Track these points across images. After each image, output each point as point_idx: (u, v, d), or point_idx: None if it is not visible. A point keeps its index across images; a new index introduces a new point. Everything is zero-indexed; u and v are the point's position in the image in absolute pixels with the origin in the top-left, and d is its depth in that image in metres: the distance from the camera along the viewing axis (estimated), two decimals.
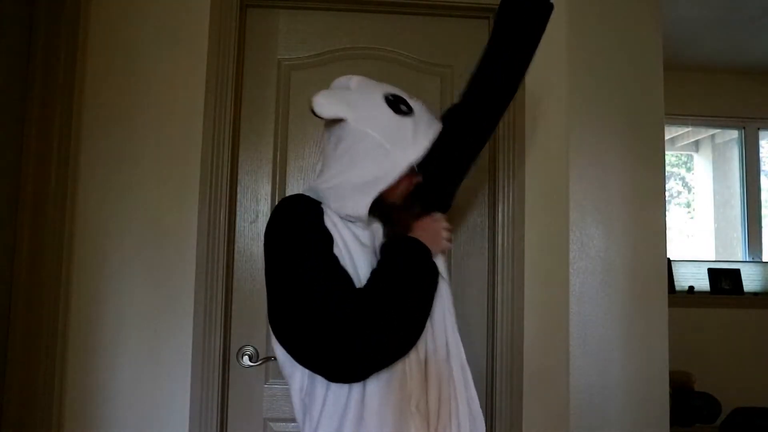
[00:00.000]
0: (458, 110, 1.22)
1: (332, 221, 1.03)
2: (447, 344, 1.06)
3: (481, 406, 1.23)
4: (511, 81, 1.21)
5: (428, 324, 1.03)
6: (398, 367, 0.98)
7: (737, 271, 3.45)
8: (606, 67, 1.83)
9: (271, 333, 1.01)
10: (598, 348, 1.74)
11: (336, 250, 1.00)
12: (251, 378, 1.73)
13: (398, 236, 1.05)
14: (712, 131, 3.81)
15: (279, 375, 1.74)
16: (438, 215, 1.15)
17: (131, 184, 1.69)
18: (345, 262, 1.01)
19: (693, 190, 3.97)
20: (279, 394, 1.73)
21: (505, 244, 1.74)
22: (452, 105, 1.26)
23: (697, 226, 3.86)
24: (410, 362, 1.00)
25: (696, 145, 3.94)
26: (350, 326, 0.90)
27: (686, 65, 3.49)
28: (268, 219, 1.07)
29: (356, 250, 1.02)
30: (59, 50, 1.60)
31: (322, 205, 1.06)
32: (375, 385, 0.97)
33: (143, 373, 1.65)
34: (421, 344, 1.02)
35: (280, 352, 1.03)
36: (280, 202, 1.07)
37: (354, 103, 1.02)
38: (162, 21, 1.73)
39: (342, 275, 0.97)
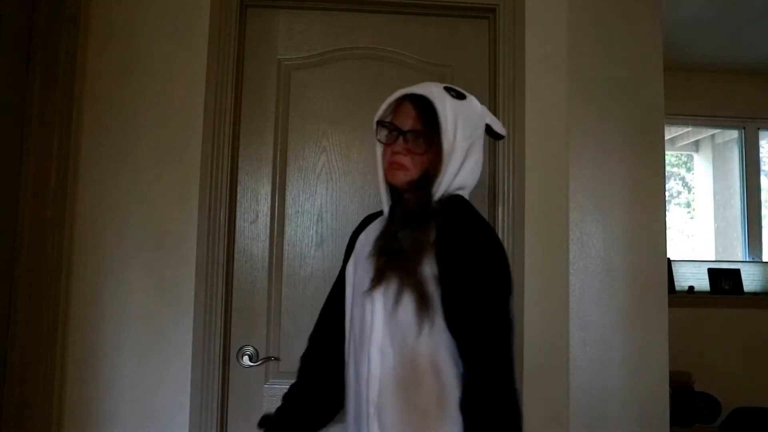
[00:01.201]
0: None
1: (365, 232, 1.18)
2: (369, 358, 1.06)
3: None
4: None
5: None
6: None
7: (737, 271, 3.45)
8: (606, 67, 1.82)
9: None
10: (598, 348, 1.74)
11: (348, 264, 1.18)
12: (251, 378, 1.73)
13: None
14: (712, 131, 3.81)
15: (279, 375, 1.74)
16: None
17: (131, 184, 1.69)
18: (348, 274, 1.17)
19: (693, 190, 3.97)
20: (279, 394, 1.71)
21: (505, 244, 1.74)
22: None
23: (697, 226, 3.86)
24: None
25: (696, 145, 3.94)
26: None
27: (686, 65, 3.48)
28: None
29: (359, 259, 1.14)
30: (59, 50, 1.60)
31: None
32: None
33: (143, 373, 1.65)
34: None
35: None
36: None
37: None
38: (162, 21, 1.73)
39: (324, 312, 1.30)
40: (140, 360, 1.65)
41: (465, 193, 1.13)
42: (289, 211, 1.80)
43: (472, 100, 1.13)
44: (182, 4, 1.74)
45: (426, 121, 1.06)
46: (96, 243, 1.67)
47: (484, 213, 1.82)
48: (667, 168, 3.77)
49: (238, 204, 1.78)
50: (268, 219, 1.79)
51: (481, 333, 0.98)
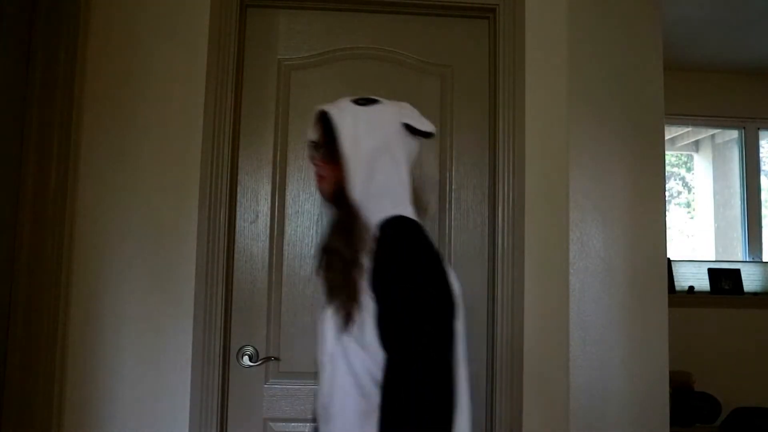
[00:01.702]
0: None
1: None
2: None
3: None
4: None
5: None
6: None
7: (737, 271, 3.45)
8: (606, 67, 1.83)
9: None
10: (598, 348, 1.74)
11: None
12: (251, 378, 1.73)
13: None
14: (712, 131, 3.81)
15: (279, 375, 1.74)
16: None
17: (131, 184, 1.69)
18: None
19: (693, 190, 3.97)
20: (279, 394, 1.73)
21: (505, 244, 1.74)
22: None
23: (697, 226, 3.86)
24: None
25: (696, 145, 3.94)
26: None
27: (686, 65, 3.48)
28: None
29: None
30: (59, 50, 1.60)
31: None
32: None
33: (143, 373, 1.65)
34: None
35: None
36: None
37: None
38: (162, 21, 1.74)
39: None
40: (140, 360, 1.65)
41: (398, 200, 1.10)
42: (289, 211, 1.80)
43: (385, 105, 1.14)
44: (182, 4, 1.74)
45: (327, 132, 1.12)
46: (96, 243, 1.67)
47: (485, 213, 1.82)
48: (667, 168, 3.77)
49: (238, 204, 1.78)
50: (268, 219, 1.79)
51: (405, 365, 0.96)
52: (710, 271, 3.44)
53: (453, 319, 1.01)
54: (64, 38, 1.62)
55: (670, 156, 3.95)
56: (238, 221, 1.77)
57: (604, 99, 1.82)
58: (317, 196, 1.80)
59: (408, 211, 1.10)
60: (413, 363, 0.95)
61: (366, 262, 1.02)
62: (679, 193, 4.01)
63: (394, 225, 1.05)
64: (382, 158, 1.08)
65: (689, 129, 3.80)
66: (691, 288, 3.40)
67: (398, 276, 1.00)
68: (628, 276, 1.77)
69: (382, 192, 1.08)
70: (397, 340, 0.97)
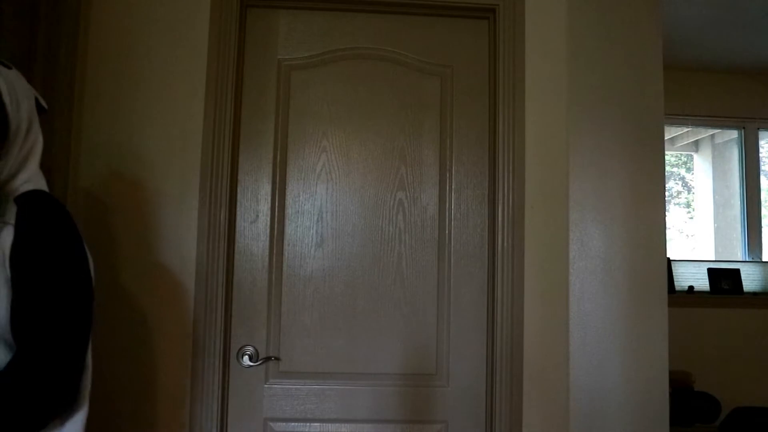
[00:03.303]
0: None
1: None
2: None
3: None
4: None
5: None
6: None
7: (737, 271, 3.45)
8: (606, 67, 1.83)
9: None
10: (598, 348, 1.75)
11: None
12: (251, 378, 1.73)
13: None
14: (711, 131, 3.81)
15: (279, 375, 1.74)
16: None
17: (131, 184, 1.69)
18: None
19: (693, 190, 3.97)
20: (279, 394, 1.73)
21: (505, 244, 1.75)
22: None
23: (697, 226, 3.86)
24: None
25: (696, 145, 3.94)
26: None
27: (686, 65, 3.49)
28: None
29: None
30: (59, 50, 1.60)
31: None
32: None
33: (143, 374, 1.65)
34: None
35: None
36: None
37: None
38: (162, 21, 1.74)
39: None
40: (140, 360, 1.65)
41: (37, 172, 1.05)
42: (289, 211, 1.80)
43: (17, 72, 1.06)
44: (182, 4, 1.74)
45: None
46: (96, 243, 1.67)
47: (485, 212, 1.82)
48: (667, 168, 3.78)
49: (238, 204, 1.78)
50: (268, 219, 1.79)
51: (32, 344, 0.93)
52: (710, 270, 3.45)
53: (91, 303, 1.08)
54: (64, 38, 1.62)
55: (670, 156, 3.96)
56: (238, 221, 1.78)
57: (604, 99, 1.82)
58: (318, 195, 1.80)
59: (44, 185, 1.06)
60: (44, 352, 0.93)
61: (6, 237, 0.94)
62: (679, 193, 4.01)
63: (39, 201, 1.00)
64: (33, 125, 1.04)
65: (689, 129, 3.81)
66: (691, 288, 3.41)
67: (42, 258, 0.96)
68: (628, 276, 1.77)
69: (29, 160, 1.03)
70: (30, 325, 0.93)
